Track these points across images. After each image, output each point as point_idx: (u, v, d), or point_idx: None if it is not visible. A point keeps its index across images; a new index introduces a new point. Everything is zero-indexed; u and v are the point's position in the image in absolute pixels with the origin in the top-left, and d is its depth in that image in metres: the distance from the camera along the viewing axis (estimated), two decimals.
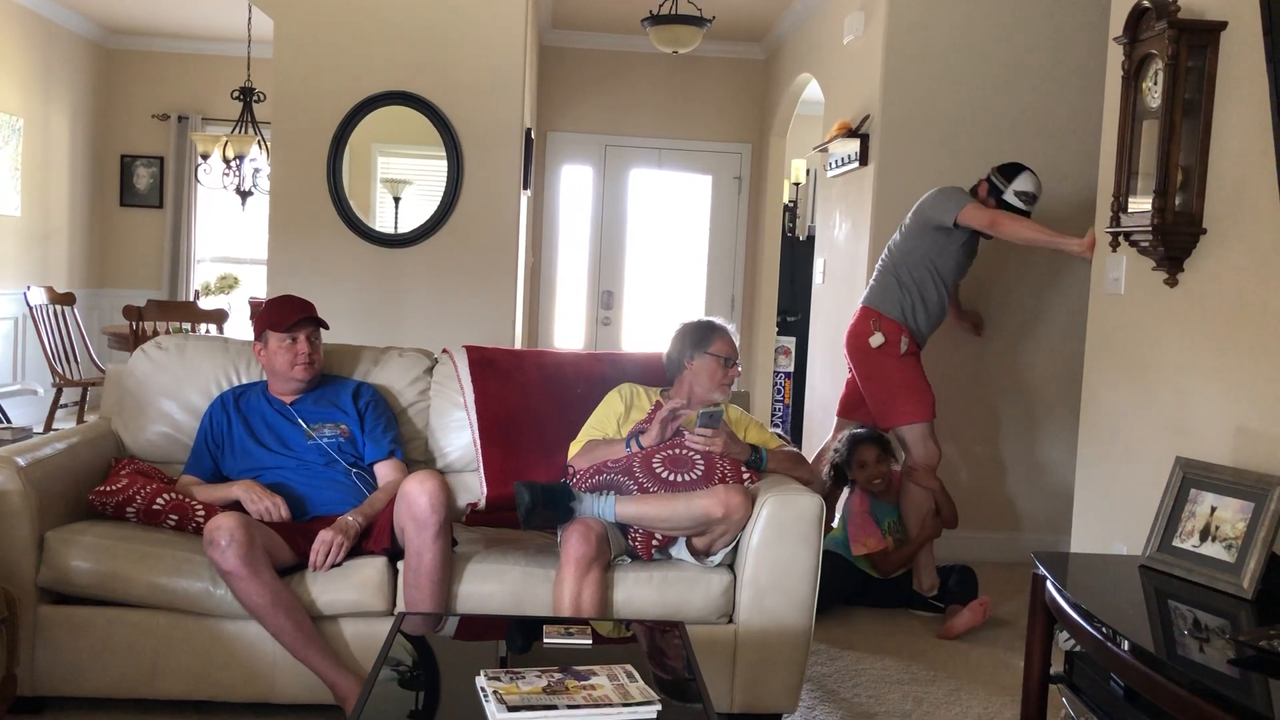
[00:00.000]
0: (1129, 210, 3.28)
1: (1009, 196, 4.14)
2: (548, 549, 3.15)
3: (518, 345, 5.71)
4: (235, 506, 3.09)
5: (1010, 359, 5.23)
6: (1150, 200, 3.09)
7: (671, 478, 3.14)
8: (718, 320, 3.51)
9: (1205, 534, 2.54)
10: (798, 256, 7.93)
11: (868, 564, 4.34)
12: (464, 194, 5.14)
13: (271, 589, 2.85)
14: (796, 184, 8.32)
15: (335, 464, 3.27)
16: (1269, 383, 2.70)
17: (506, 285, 5.23)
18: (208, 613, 2.93)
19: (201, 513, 3.08)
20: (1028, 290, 5.14)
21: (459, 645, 2.64)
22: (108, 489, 3.10)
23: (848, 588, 4.29)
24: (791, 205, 8.27)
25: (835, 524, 4.50)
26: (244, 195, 7.45)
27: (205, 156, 7.39)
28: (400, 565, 2.99)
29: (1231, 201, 2.90)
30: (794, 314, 7.93)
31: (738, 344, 3.51)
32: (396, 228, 5.25)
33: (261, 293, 6.92)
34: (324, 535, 2.97)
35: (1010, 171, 4.19)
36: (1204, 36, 2.98)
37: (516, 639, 2.61)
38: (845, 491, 4.51)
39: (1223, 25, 2.95)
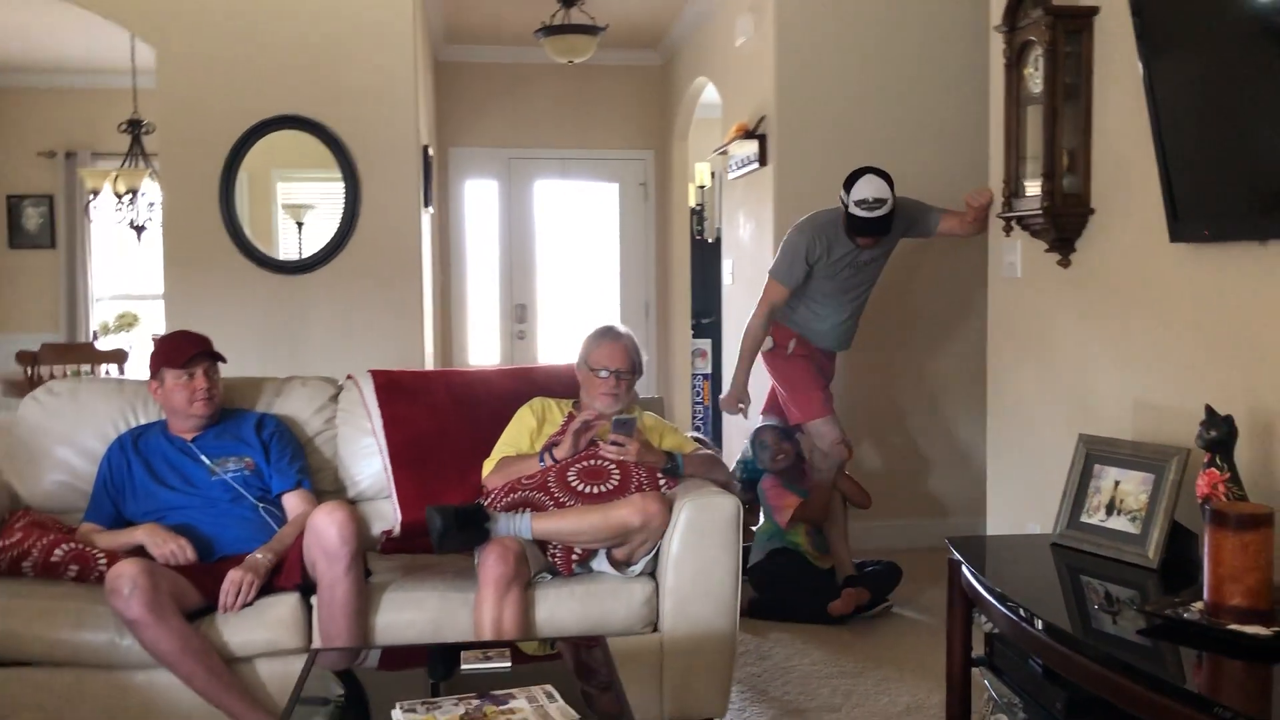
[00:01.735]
0: (1020, 194, 3.34)
1: (852, 209, 4.04)
2: (466, 572, 3.10)
3: (430, 366, 5.62)
4: (140, 552, 2.99)
5: (931, 349, 5.30)
6: (1039, 184, 3.15)
7: (587, 490, 3.11)
8: (610, 327, 3.46)
9: (1111, 508, 2.58)
10: (707, 259, 7.96)
11: (803, 537, 4.37)
12: (363, 215, 5.05)
13: (180, 635, 2.75)
14: (701, 187, 8.36)
15: (242, 499, 3.18)
16: (1161, 356, 2.77)
17: (413, 305, 5.15)
18: (115, 665, 2.82)
19: (103, 561, 2.96)
20: (949, 281, 5.19)
21: (380, 677, 2.58)
22: (0, 544, 2.97)
23: (814, 598, 4.21)
24: (698, 208, 8.30)
25: (762, 519, 4.52)
26: (139, 230, 7.25)
27: (95, 193, 7.17)
28: (314, 600, 2.92)
29: (1115, 181, 2.97)
30: (708, 316, 7.96)
31: (641, 349, 3.47)
32: (301, 253, 5.14)
33: (162, 329, 6.73)
34: (233, 575, 2.89)
35: (849, 182, 4.08)
36: (1078, 22, 3.05)
37: (438, 667, 2.55)
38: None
39: (1095, 10, 3.02)
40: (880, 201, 4.03)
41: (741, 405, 4.38)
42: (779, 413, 4.53)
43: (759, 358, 4.46)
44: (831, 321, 4.32)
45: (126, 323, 8.01)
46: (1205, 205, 2.49)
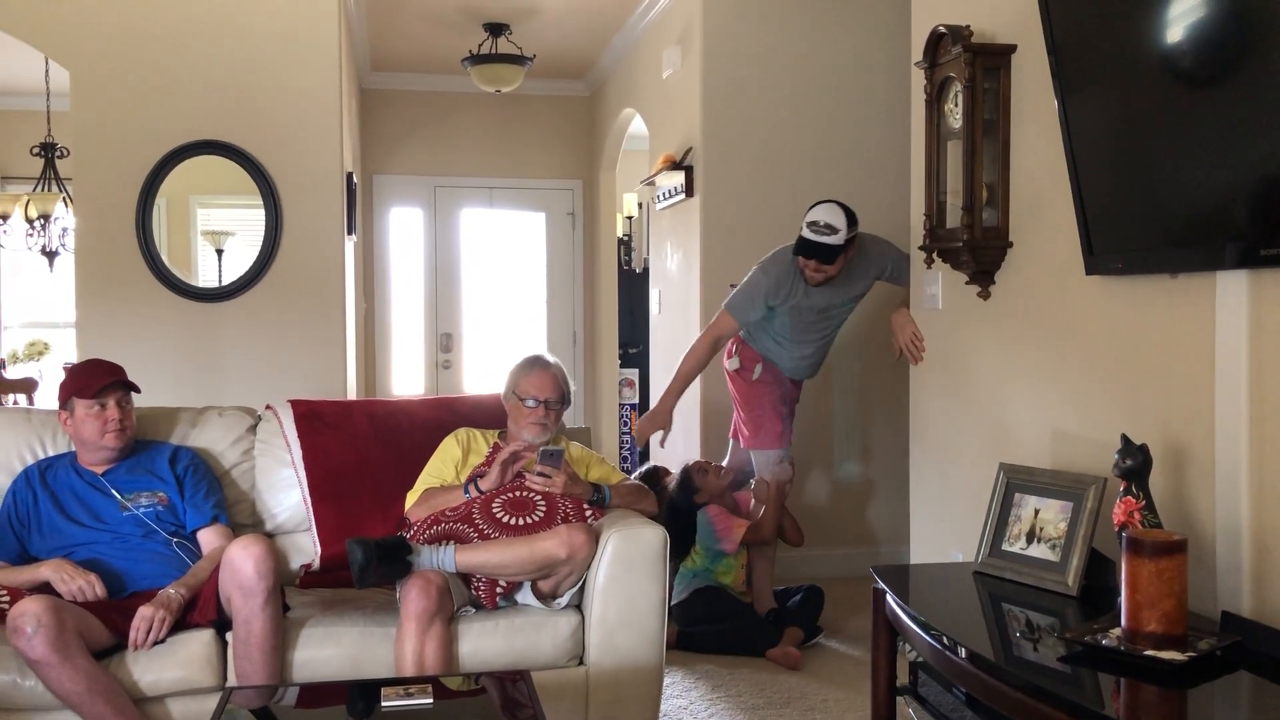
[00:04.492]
0: (941, 227, 3.39)
1: (803, 230, 3.98)
2: (388, 606, 3.03)
3: (353, 396, 5.54)
4: (45, 589, 2.87)
5: (868, 379, 5.33)
6: (959, 217, 3.20)
7: (513, 521, 3.07)
8: (538, 357, 3.45)
9: (1031, 536, 2.62)
10: (635, 289, 7.98)
11: (737, 572, 4.35)
12: (284, 243, 4.96)
13: (87, 675, 2.65)
14: (629, 218, 8.40)
15: (155, 534, 3.08)
16: (1078, 386, 2.82)
17: (335, 334, 5.07)
18: (16, 707, 2.70)
19: (6, 598, 2.85)
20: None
21: (297, 716, 2.51)
22: None
23: (742, 633, 4.16)
24: (626, 239, 8.33)
25: (694, 555, 4.45)
26: (51, 256, 7.06)
27: (5, 217, 6.97)
28: (229, 636, 2.84)
29: (1032, 214, 3.03)
30: (635, 346, 7.97)
31: (569, 379, 3.46)
32: (221, 281, 5.04)
33: (74, 358, 6.55)
34: (143, 611, 2.79)
35: (813, 206, 4.07)
36: (996, 59, 3.12)
37: (357, 705, 2.49)
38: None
39: (1012, 48, 3.09)
40: (830, 228, 3.93)
41: (661, 431, 4.17)
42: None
43: (727, 374, 4.46)
44: (793, 355, 4.31)
45: (37, 351, 7.77)
46: (1118, 239, 2.55)
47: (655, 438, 4.31)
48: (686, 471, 4.46)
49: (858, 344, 5.33)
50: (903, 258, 4.02)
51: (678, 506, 4.39)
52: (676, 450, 5.61)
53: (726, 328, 4.21)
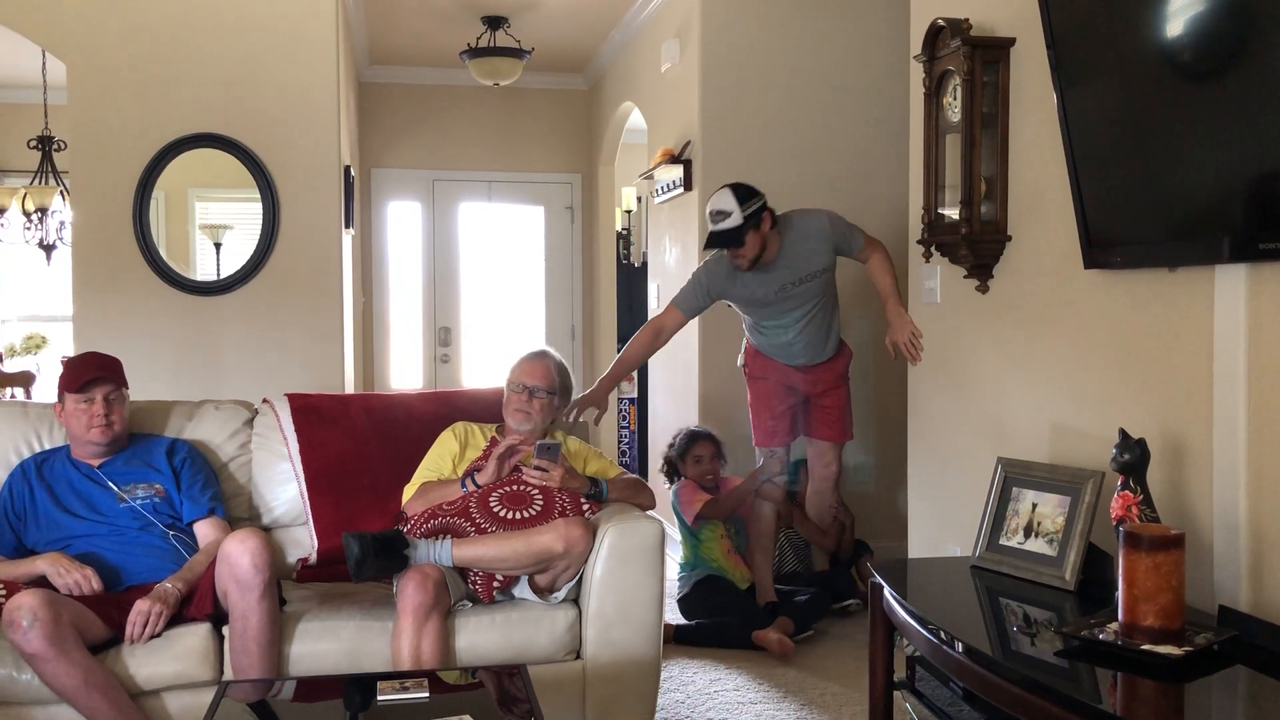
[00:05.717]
0: (940, 221, 3.38)
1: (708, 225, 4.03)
2: (385, 600, 3.03)
3: (351, 389, 5.53)
4: (42, 582, 2.87)
5: (882, 372, 5.31)
6: (958, 210, 3.19)
7: (510, 515, 3.07)
8: (539, 349, 3.48)
9: (1029, 530, 2.61)
10: (634, 283, 7.97)
11: (718, 543, 4.40)
12: (282, 236, 4.95)
13: (83, 669, 2.65)
14: (628, 211, 8.38)
15: (151, 526, 3.08)
16: (1075, 380, 2.82)
17: (333, 328, 5.06)
18: (12, 701, 2.70)
19: (2, 592, 2.84)
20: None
21: (293, 710, 2.50)
22: None
23: (742, 625, 4.16)
24: (625, 232, 8.32)
25: (681, 545, 4.51)
26: (48, 249, 7.05)
27: (2, 211, 6.96)
28: (226, 630, 2.83)
29: (1031, 208, 3.02)
30: None
31: (570, 374, 3.47)
32: (219, 274, 5.03)
33: (72, 351, 6.54)
34: (140, 605, 2.79)
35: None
36: (995, 52, 3.11)
37: (354, 699, 2.48)
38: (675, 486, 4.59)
39: (1011, 41, 3.08)
40: (721, 214, 3.91)
41: (596, 410, 4.03)
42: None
43: None
44: (778, 341, 4.26)
45: (34, 344, 7.76)
46: (1117, 233, 2.54)
47: (590, 415, 4.18)
48: (690, 440, 4.61)
49: (860, 340, 5.33)
50: (847, 225, 4.08)
51: (670, 461, 4.68)
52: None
53: (670, 320, 4.21)
